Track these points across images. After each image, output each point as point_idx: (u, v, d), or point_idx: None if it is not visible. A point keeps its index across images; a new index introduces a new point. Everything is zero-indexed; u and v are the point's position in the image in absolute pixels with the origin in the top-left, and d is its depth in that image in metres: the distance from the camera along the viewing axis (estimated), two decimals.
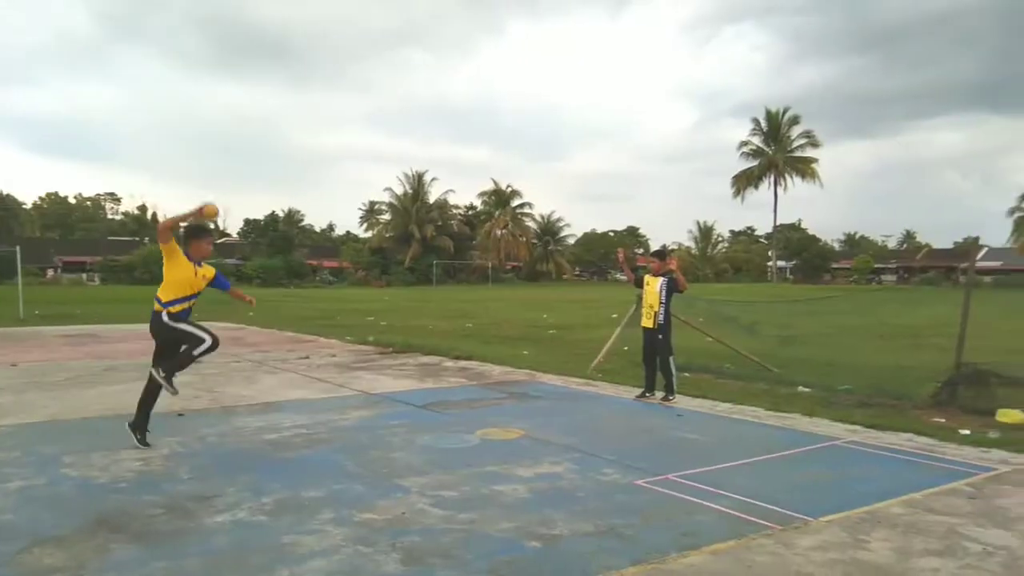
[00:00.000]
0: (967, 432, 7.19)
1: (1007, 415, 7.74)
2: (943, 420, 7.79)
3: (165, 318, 6.35)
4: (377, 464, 5.91)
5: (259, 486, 5.24)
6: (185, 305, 6.42)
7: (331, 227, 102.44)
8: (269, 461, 6.02)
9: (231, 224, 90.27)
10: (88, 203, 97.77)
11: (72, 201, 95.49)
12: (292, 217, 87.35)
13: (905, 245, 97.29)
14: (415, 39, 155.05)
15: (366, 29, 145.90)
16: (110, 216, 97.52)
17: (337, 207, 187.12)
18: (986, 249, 75.53)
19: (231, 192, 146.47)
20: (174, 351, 6.46)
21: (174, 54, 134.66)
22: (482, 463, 5.94)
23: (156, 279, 6.81)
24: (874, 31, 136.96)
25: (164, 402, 8.50)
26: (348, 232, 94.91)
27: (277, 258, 62.62)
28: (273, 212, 77.77)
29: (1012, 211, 69.66)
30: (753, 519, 4.63)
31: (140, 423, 6.46)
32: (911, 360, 11.69)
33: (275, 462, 5.99)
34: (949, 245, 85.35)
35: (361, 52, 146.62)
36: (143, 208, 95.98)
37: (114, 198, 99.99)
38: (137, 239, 73.05)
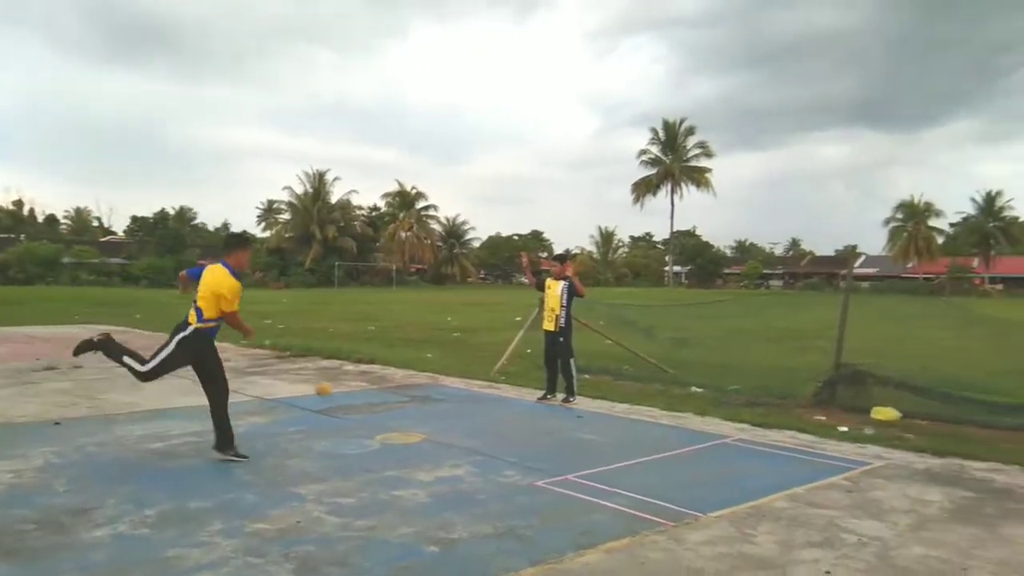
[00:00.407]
0: (845, 429, 7.63)
1: (881, 413, 8.28)
2: (824, 418, 8.24)
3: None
4: (271, 472, 5.72)
5: (142, 497, 4.96)
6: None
7: (226, 226, 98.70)
8: (153, 471, 5.72)
9: (117, 222, 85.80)
10: None
11: None
12: (184, 215, 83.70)
13: (791, 252, 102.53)
14: (319, 37, 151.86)
15: (267, 24, 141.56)
16: None
17: (233, 206, 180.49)
18: (864, 257, 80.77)
19: (118, 188, 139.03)
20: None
21: (56, 41, 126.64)
22: (382, 468, 5.84)
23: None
24: (765, 48, 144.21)
25: (35, 409, 7.99)
26: (244, 231, 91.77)
27: (167, 258, 59.76)
28: (163, 210, 74.26)
29: (887, 221, 74.76)
30: (647, 516, 4.76)
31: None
32: (795, 361, 12.30)
33: (160, 472, 5.70)
34: (831, 252, 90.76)
35: (261, 47, 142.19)
36: (19, 203, 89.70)
37: None
38: (12, 236, 68.14)
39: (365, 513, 4.74)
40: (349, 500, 5.01)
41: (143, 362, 6.08)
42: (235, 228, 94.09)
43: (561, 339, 9.24)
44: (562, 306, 9.23)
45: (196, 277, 6.19)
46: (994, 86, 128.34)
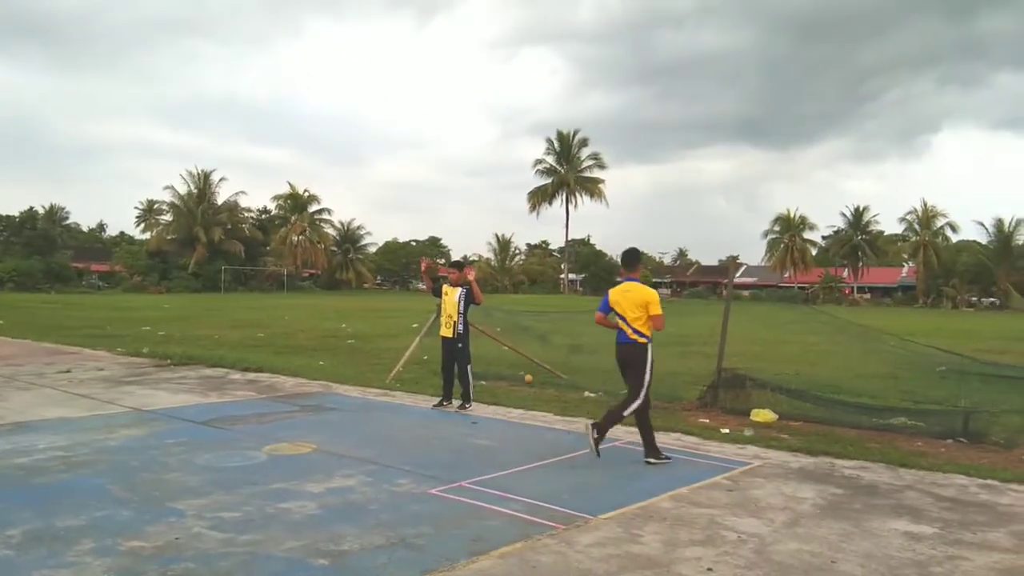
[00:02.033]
0: (727, 431, 7.99)
1: (759, 415, 8.71)
2: (707, 420, 8.60)
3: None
4: (148, 487, 5.42)
5: (4, 517, 4.61)
6: None
7: (101, 227, 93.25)
8: (18, 488, 5.32)
9: None
10: None
11: None
12: (54, 214, 78.32)
13: (678, 261, 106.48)
14: (206, 30, 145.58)
15: (148, 15, 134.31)
16: None
17: (110, 205, 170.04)
18: (745, 266, 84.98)
19: None
20: None
21: None
22: (268, 481, 5.65)
23: None
24: (654, 66, 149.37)
25: None
26: (122, 233, 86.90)
27: (35, 259, 55.69)
28: (31, 208, 69.22)
29: (766, 233, 78.94)
30: (539, 520, 4.82)
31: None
32: (681, 366, 12.79)
33: (25, 489, 5.30)
34: (715, 262, 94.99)
35: (142, 38, 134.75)
36: None
37: None
38: None
39: (250, 528, 4.57)
40: (233, 514, 4.82)
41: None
42: (112, 230, 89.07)
43: (459, 345, 9.24)
44: (459, 312, 9.23)
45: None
46: (862, 108, 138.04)
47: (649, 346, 6.62)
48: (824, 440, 7.59)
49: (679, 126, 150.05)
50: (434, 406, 9.29)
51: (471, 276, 9.43)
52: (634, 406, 6.56)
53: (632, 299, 6.61)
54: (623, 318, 6.63)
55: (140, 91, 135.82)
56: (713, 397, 9.39)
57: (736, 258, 79.50)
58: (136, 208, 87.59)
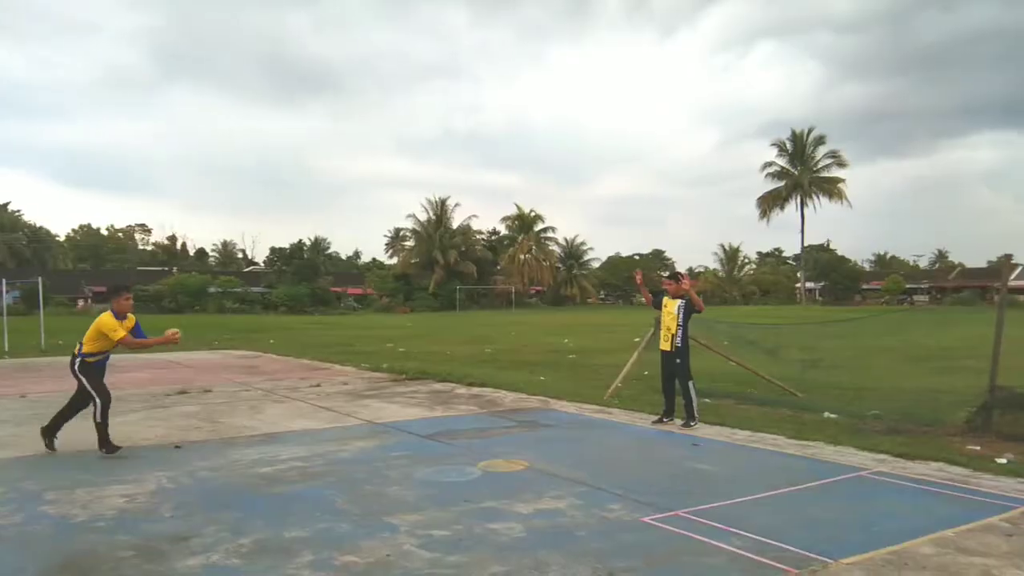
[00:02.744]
0: (1004, 461, 6.71)
1: None
2: (978, 448, 7.30)
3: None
4: (369, 500, 5.61)
5: (240, 525, 4.96)
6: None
7: (357, 254, 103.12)
8: (257, 497, 5.74)
9: (258, 253, 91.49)
10: (120, 234, 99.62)
11: (104, 232, 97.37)
12: (318, 245, 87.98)
13: (937, 264, 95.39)
14: (457, 72, 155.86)
15: (412, 62, 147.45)
16: (141, 247, 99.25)
17: (364, 235, 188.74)
18: (1022, 267, 73.80)
19: (262, 221, 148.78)
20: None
21: (224, 87, 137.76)
22: (480, 498, 5.60)
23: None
24: (904, 53, 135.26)
25: (160, 432, 8.34)
26: (374, 259, 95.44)
27: (302, 285, 62.96)
28: (300, 240, 78.45)
29: None
30: (767, 561, 4.25)
31: None
32: (943, 384, 11.16)
33: (263, 498, 5.71)
34: (983, 263, 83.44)
35: (403, 84, 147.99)
36: (172, 238, 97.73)
37: (145, 229, 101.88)
38: (166, 268, 74.04)
39: (457, 548, 4.50)
40: (443, 532, 4.80)
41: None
42: (365, 257, 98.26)
43: (678, 360, 8.77)
44: (679, 325, 8.78)
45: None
46: None
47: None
48: None
49: (934, 115, 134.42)
50: (654, 422, 8.89)
51: (686, 286, 8.93)
52: None
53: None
54: None
55: (391, 130, 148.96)
56: (985, 420, 7.99)
57: (1011, 257, 69.37)
58: (385, 236, 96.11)
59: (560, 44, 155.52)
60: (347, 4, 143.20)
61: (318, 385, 12.78)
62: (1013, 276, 67.00)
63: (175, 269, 71.16)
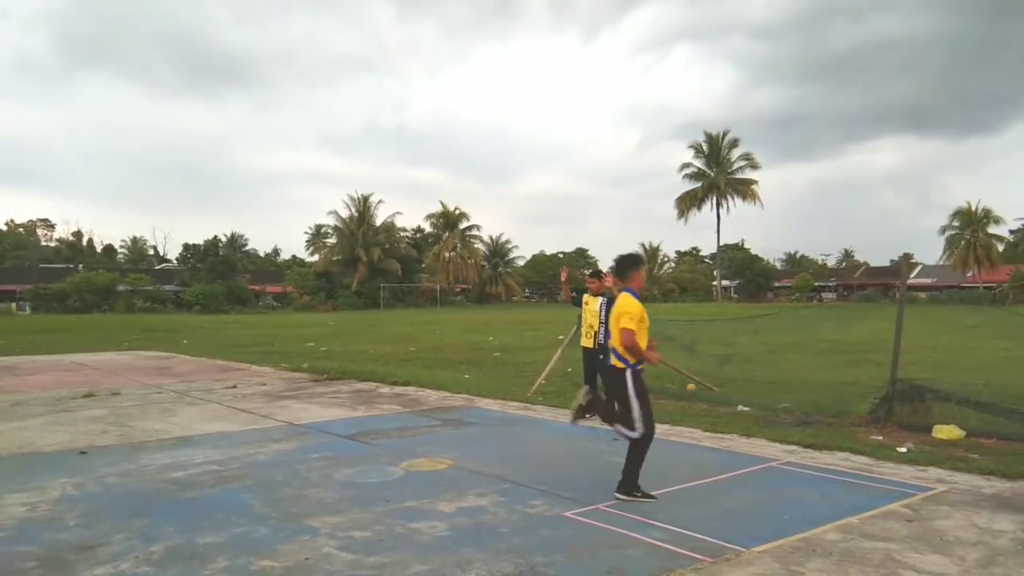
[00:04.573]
0: (904, 450, 7.09)
1: (943, 431, 7.68)
2: (880, 438, 7.69)
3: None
4: (287, 503, 5.47)
5: (151, 532, 4.77)
6: None
7: (276, 252, 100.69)
8: (169, 503, 5.53)
9: (170, 250, 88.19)
10: (20, 230, 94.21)
11: (3, 228, 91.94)
12: (235, 242, 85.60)
13: (844, 263, 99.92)
14: (381, 67, 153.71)
15: (333, 55, 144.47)
16: (43, 243, 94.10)
17: (283, 231, 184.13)
18: (920, 266, 78.16)
19: (175, 217, 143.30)
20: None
21: (134, 78, 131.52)
22: (402, 498, 5.55)
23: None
24: (812, 60, 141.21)
25: (65, 438, 7.93)
26: (294, 257, 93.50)
27: (218, 284, 61.00)
28: (215, 237, 76.02)
29: (944, 229, 72.24)
30: (683, 551, 4.36)
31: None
32: (849, 377, 11.70)
33: (176, 504, 5.50)
34: (886, 262, 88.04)
35: (326, 78, 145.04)
36: (78, 234, 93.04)
37: (48, 224, 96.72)
38: (71, 266, 70.45)
39: (378, 548, 4.45)
40: (364, 534, 4.73)
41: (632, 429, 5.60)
42: (285, 254, 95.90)
43: (601, 356, 8.91)
44: (601, 322, 8.91)
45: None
46: None
47: (628, 372, 5.57)
48: (1023, 461, 6.53)
49: (841, 119, 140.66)
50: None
51: (609, 284, 9.08)
52: (633, 435, 5.52)
53: (612, 314, 5.72)
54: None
55: (313, 124, 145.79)
56: (887, 411, 8.41)
57: (910, 257, 73.25)
58: (306, 233, 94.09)
59: (485, 42, 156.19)
60: None
61: (234, 386, 12.40)
62: (912, 275, 70.96)
63: (80, 266, 67.80)
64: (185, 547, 4.49)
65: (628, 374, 5.58)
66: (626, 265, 6.00)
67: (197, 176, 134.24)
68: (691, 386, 11.00)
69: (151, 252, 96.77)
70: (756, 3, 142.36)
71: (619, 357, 5.62)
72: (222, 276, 63.92)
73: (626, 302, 5.68)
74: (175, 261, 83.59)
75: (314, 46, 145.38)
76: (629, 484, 5.51)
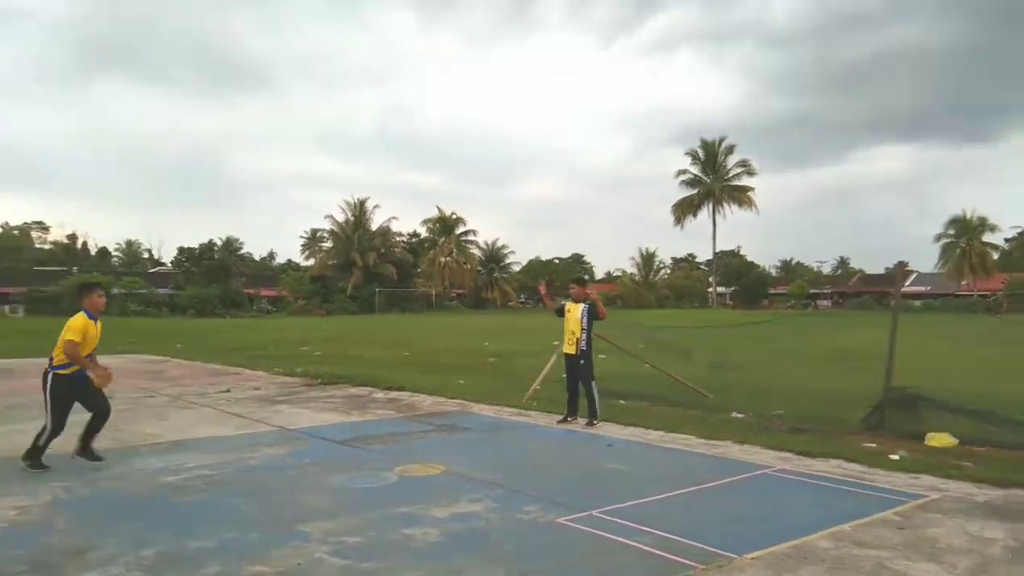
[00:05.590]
0: (896, 457, 7.10)
1: (936, 439, 7.71)
2: (874, 445, 7.70)
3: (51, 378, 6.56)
4: (279, 508, 5.46)
5: (143, 536, 4.75)
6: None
7: (271, 255, 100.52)
8: (161, 507, 5.51)
9: (165, 253, 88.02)
10: (15, 232, 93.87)
11: None
12: (230, 245, 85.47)
13: (839, 271, 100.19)
14: (390, 74, 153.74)
15: (347, 65, 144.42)
16: (37, 245, 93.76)
17: (279, 235, 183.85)
18: (916, 274, 78.34)
19: (171, 220, 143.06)
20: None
21: (137, 80, 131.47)
22: (395, 504, 5.54)
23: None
24: (812, 68, 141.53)
25: (56, 442, 7.87)
26: (289, 260, 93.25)
27: (212, 287, 60.80)
28: (210, 240, 75.88)
29: (939, 237, 72.41)
30: (675, 558, 4.36)
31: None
32: (844, 384, 11.72)
33: (168, 508, 5.49)
34: (881, 270, 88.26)
35: (338, 85, 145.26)
36: (73, 237, 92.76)
37: (42, 227, 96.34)
38: (65, 268, 70.18)
39: (371, 554, 4.44)
40: (356, 539, 4.72)
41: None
42: (280, 258, 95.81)
43: (582, 362, 9.07)
44: (583, 329, 9.08)
45: None
46: None
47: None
48: (1015, 469, 6.58)
49: (841, 128, 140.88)
50: (558, 422, 9.14)
51: (593, 295, 9.24)
52: None
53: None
54: None
55: (313, 128, 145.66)
56: (880, 419, 8.45)
57: (905, 265, 73.33)
58: (301, 237, 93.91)
59: (487, 47, 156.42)
60: None
61: (228, 391, 12.37)
62: (908, 283, 71.12)
63: (75, 269, 67.55)
64: (177, 551, 4.47)
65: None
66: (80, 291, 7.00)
67: (193, 179, 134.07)
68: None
69: (146, 255, 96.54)
70: (770, 11, 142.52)
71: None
72: (217, 280, 63.67)
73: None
74: (170, 264, 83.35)
75: (315, 50, 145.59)
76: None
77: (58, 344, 6.54)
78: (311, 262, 77.50)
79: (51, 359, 6.59)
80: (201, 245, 70.53)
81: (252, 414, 9.90)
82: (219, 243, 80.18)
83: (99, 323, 6.81)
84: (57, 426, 6.54)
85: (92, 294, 6.87)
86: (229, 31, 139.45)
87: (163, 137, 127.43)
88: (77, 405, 6.70)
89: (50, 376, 6.54)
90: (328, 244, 73.80)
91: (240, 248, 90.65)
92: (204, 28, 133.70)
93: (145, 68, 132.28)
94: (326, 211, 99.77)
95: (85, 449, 6.80)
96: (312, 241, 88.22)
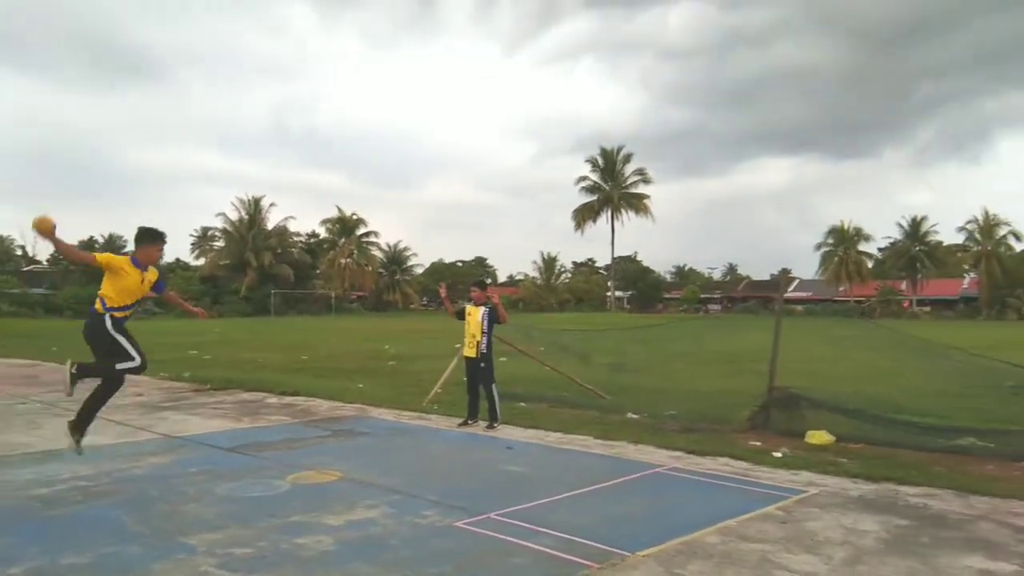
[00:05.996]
0: (779, 454, 7.46)
1: (815, 437, 8.15)
2: (759, 443, 8.07)
3: (108, 323, 5.95)
4: (163, 520, 5.19)
5: (11, 553, 4.41)
6: (128, 313, 6.09)
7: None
8: (32, 521, 5.14)
9: (40, 250, 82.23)
10: None
11: None
12: (113, 243, 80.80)
13: (728, 277, 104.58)
14: (282, 67, 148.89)
15: (240, 55, 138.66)
16: None
17: (169, 234, 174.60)
18: (798, 280, 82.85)
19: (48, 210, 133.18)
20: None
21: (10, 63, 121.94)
22: (287, 512, 5.36)
23: None
24: (701, 81, 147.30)
25: None
26: (177, 259, 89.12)
27: (92, 287, 57.38)
28: (91, 237, 71.61)
29: (819, 246, 76.83)
30: (571, 558, 4.42)
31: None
32: (732, 385, 12.21)
33: (39, 522, 5.11)
34: (767, 277, 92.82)
35: (229, 76, 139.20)
36: None
37: None
38: None
39: (260, 566, 4.28)
40: (245, 550, 4.54)
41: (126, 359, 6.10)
42: (168, 256, 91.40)
43: (483, 365, 9.13)
44: (483, 332, 9.12)
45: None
46: (918, 115, 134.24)
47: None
48: (886, 464, 7.03)
49: (730, 140, 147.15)
50: (459, 425, 9.13)
51: (494, 296, 9.30)
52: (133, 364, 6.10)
53: None
54: None
55: (205, 120, 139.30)
56: (765, 418, 8.86)
57: (788, 272, 77.48)
58: (191, 235, 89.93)
59: (390, 48, 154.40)
60: None
61: None
62: (790, 288, 75.10)
63: None
64: (47, 569, 4.17)
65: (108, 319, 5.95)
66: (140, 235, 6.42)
67: (73, 171, 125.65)
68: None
69: (19, 252, 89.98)
70: (667, 26, 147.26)
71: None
72: (97, 279, 60.17)
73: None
74: (45, 263, 77.96)
75: (208, 40, 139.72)
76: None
77: (103, 285, 6.05)
78: (201, 262, 74.24)
79: (103, 301, 6.02)
80: (81, 243, 66.40)
81: (134, 421, 9.38)
82: (101, 240, 75.83)
83: (146, 273, 6.18)
84: (138, 354, 6.07)
85: (151, 246, 6.32)
86: (111, 17, 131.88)
87: (34, 125, 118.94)
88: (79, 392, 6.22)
89: (107, 318, 5.95)
90: (220, 243, 70.86)
91: (124, 246, 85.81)
92: (80, 13, 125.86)
93: (9, 47, 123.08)
94: (218, 209, 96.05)
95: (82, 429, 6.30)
96: (203, 240, 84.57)
